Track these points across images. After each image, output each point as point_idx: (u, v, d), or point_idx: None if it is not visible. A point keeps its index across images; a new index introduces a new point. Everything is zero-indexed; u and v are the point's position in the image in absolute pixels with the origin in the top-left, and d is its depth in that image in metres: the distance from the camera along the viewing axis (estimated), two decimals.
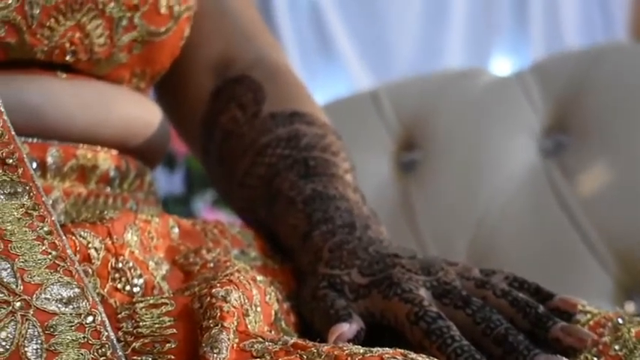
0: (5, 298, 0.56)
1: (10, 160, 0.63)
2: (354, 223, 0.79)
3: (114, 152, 0.85)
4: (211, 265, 0.73)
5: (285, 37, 2.72)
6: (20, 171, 0.63)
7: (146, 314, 0.62)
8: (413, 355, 0.57)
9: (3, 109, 0.65)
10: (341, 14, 2.76)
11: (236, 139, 0.91)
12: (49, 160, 0.80)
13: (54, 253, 0.59)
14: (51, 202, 0.78)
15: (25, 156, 0.64)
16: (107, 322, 0.57)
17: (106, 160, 0.84)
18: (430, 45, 2.82)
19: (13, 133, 0.65)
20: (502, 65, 2.95)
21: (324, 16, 2.76)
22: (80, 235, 0.67)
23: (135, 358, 0.59)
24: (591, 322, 0.69)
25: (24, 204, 0.61)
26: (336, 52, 2.77)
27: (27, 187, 0.62)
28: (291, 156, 0.86)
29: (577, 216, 1.36)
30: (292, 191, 0.83)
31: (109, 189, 0.85)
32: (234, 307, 0.60)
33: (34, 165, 0.78)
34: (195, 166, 2.12)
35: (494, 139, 1.47)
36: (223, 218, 2.05)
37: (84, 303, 0.57)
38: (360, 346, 0.58)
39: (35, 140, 0.79)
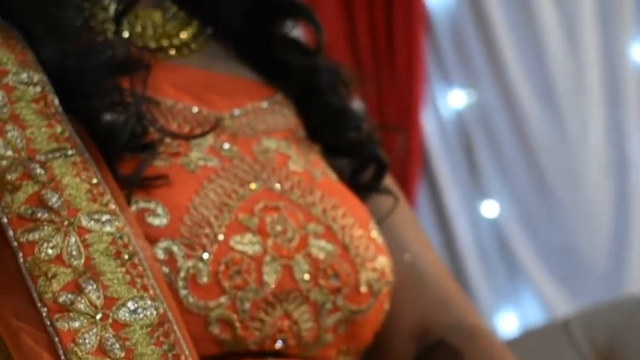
0: None
1: None
2: None
3: None
4: None
5: (469, 259, 2.69)
6: None
7: None
8: None
9: None
10: (524, 228, 2.72)
11: None
12: None
13: None
14: None
15: None
16: None
17: None
18: (620, 251, 2.72)
19: None
20: None
21: (507, 232, 2.72)
22: None
23: None
24: None
25: None
26: (522, 269, 2.71)
27: None
28: None
29: None
30: None
31: None
32: None
33: None
34: None
35: None
36: None
37: None
38: None
39: None
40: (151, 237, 0.76)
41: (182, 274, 0.77)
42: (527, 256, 2.69)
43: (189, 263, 0.77)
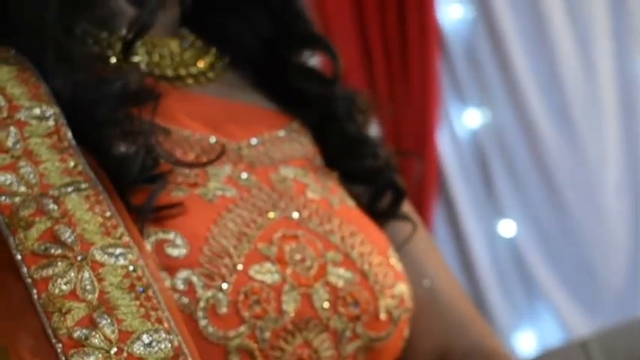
0: None
1: None
2: None
3: None
4: None
5: (487, 279, 2.66)
6: None
7: None
8: None
9: None
10: (541, 247, 2.69)
11: None
12: None
13: None
14: None
15: None
16: None
17: None
18: (637, 269, 2.69)
19: None
20: None
21: (524, 251, 2.70)
22: None
23: None
24: None
25: None
26: (539, 288, 2.68)
27: None
28: None
29: None
30: None
31: None
32: None
33: None
34: None
35: None
36: None
37: None
38: None
39: None
40: (170, 268, 0.75)
41: (202, 304, 0.76)
42: (545, 275, 2.66)
43: (209, 293, 0.76)
